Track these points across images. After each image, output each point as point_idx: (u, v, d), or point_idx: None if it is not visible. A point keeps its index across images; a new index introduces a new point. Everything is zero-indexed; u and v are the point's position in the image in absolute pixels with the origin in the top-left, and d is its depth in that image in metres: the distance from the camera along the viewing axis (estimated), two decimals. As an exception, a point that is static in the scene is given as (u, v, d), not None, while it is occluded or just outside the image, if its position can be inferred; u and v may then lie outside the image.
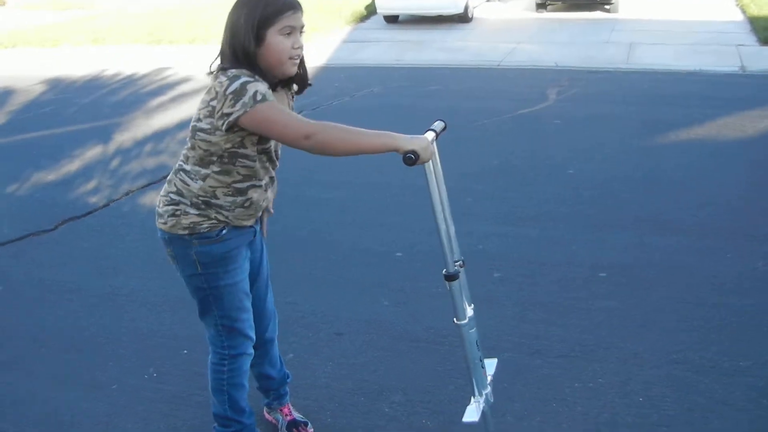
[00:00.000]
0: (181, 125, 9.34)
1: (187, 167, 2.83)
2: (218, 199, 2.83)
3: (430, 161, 2.72)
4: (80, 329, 4.70)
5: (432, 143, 2.76)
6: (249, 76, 2.60)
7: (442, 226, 2.86)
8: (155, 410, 3.81)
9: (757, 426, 3.52)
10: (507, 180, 7.18)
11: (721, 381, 3.88)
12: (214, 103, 2.63)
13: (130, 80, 12.93)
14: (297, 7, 2.71)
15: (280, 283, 3.75)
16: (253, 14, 2.65)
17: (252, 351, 3.17)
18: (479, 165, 7.57)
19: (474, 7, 18.55)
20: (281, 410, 3.62)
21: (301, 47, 2.75)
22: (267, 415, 3.69)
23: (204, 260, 2.90)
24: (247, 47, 2.66)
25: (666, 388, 3.83)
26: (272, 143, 2.84)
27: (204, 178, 2.80)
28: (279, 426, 3.61)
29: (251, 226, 3.00)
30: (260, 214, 3.03)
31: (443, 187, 2.87)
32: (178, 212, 2.85)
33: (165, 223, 2.89)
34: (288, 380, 3.58)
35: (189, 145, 2.82)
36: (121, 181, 7.44)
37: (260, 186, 2.90)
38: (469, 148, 8.07)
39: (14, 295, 5.26)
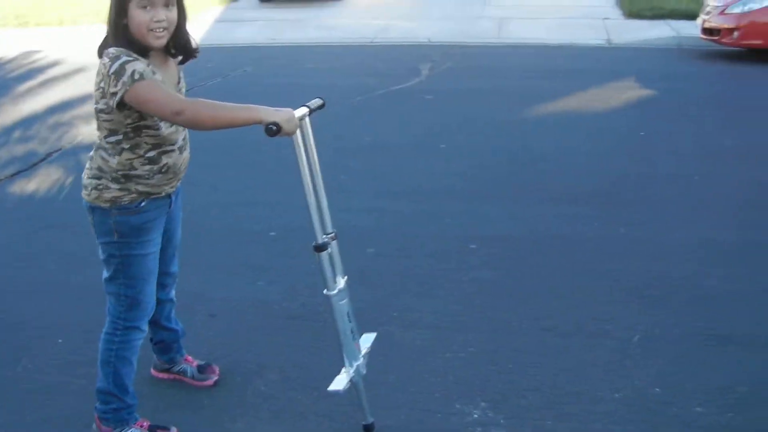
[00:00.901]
0: (52, 110, 9.08)
1: (102, 145, 2.95)
2: (136, 170, 2.95)
3: (298, 134, 2.85)
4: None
5: (305, 118, 2.92)
6: (127, 55, 2.73)
7: (311, 199, 2.95)
8: (30, 400, 3.72)
9: (618, 385, 3.67)
10: (380, 156, 7.23)
11: (588, 344, 4.03)
12: (102, 84, 2.75)
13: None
14: None
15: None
16: None
17: (146, 329, 3.26)
18: (352, 142, 7.63)
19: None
20: (185, 360, 3.75)
21: (162, 20, 2.80)
22: (164, 374, 3.77)
23: (121, 229, 3.03)
24: (116, 21, 2.78)
25: (535, 354, 3.95)
26: None
27: (119, 152, 2.92)
28: (189, 374, 3.72)
29: (169, 196, 3.12)
30: (180, 177, 3.14)
31: (315, 161, 2.96)
32: (101, 186, 2.98)
33: (89, 195, 3.03)
34: (183, 335, 3.71)
35: (97, 127, 2.93)
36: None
37: (173, 150, 3.02)
38: (343, 125, 8.09)
39: None
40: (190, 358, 3.77)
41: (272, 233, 5.54)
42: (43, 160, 7.29)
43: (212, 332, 4.27)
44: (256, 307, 4.52)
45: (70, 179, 6.55)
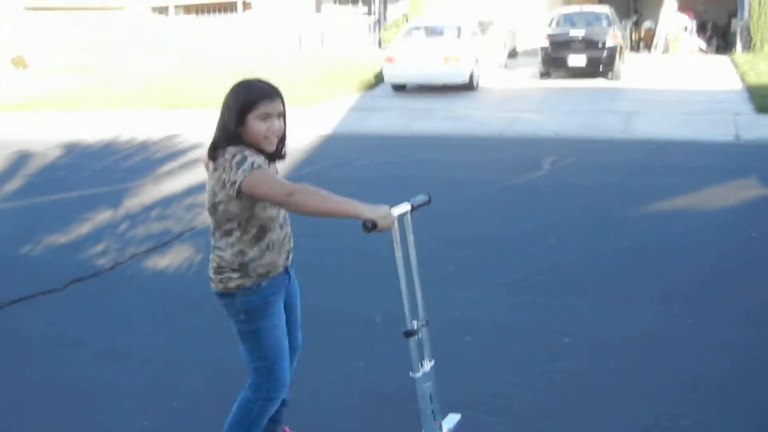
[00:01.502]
0: (188, 191, 9.80)
1: (218, 244, 3.45)
2: (247, 255, 3.41)
3: (396, 229, 3.28)
4: (79, 379, 5.14)
5: (406, 214, 3.35)
6: (246, 150, 3.24)
7: (404, 288, 3.33)
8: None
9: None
10: (488, 248, 7.55)
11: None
12: (224, 176, 3.23)
13: (143, 146, 13.49)
14: (273, 96, 3.35)
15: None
16: (237, 100, 3.29)
17: (280, 400, 3.70)
18: (466, 233, 7.98)
19: (479, 76, 19.06)
20: (284, 430, 4.12)
21: (276, 129, 3.35)
22: None
23: (247, 308, 3.48)
24: (230, 128, 3.29)
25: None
26: None
27: (232, 245, 3.40)
28: None
29: (286, 272, 3.59)
30: (287, 250, 3.59)
31: (413, 253, 3.38)
32: (224, 279, 3.46)
33: (216, 285, 3.51)
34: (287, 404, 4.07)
35: (212, 223, 3.44)
36: (127, 244, 7.90)
37: (276, 227, 3.49)
38: (457, 217, 8.51)
39: (23, 349, 5.69)
40: (287, 429, 4.16)
41: (377, 318, 5.91)
42: (176, 237, 7.98)
43: (313, 412, 4.65)
44: (354, 386, 4.89)
45: (199, 257, 7.16)
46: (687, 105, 16.01)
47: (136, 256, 7.52)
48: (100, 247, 7.84)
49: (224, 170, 3.24)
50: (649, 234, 7.81)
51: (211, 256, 3.52)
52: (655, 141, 13.01)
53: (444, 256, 7.08)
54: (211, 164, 3.35)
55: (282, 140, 3.49)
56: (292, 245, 3.66)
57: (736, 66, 20.72)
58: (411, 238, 3.42)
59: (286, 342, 3.65)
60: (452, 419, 3.74)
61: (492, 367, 5.14)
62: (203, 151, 3.44)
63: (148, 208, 9.28)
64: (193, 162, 11.77)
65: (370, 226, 3.13)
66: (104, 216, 9.01)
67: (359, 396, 4.80)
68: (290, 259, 3.67)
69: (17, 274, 7.26)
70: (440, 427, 3.59)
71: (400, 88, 19.15)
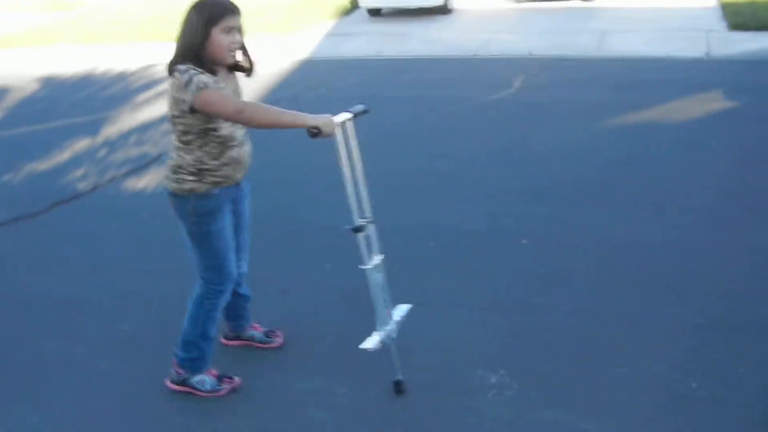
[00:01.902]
0: (164, 118, 9.90)
1: (178, 145, 3.69)
2: (206, 164, 3.66)
3: (340, 136, 3.58)
4: (64, 292, 5.48)
5: (347, 121, 3.66)
6: (194, 69, 3.45)
7: (350, 189, 3.67)
8: (130, 352, 4.54)
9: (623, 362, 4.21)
10: (460, 163, 7.86)
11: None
12: (175, 94, 3.47)
13: (120, 77, 13.58)
14: (236, 11, 3.56)
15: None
16: (201, 15, 3.49)
17: (230, 293, 4.01)
18: (442, 147, 8.34)
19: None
20: (253, 327, 4.51)
21: (237, 42, 3.59)
22: (234, 342, 4.53)
23: (198, 211, 3.73)
24: (195, 41, 3.49)
25: (563, 334, 4.53)
26: None
27: (192, 151, 3.64)
28: (257, 339, 4.49)
29: (237, 183, 3.84)
30: (245, 167, 3.86)
31: (357, 157, 3.72)
32: (180, 179, 3.69)
33: (170, 184, 3.74)
34: (250, 300, 4.45)
35: (172, 131, 3.67)
36: (106, 168, 8.15)
37: (236, 145, 3.73)
38: (432, 134, 8.89)
39: (10, 268, 6.00)
40: (257, 325, 4.51)
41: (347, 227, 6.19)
42: (153, 160, 8.25)
43: (284, 305, 5.00)
44: (320, 286, 5.23)
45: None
46: (661, 22, 16.12)
47: (115, 179, 7.79)
48: (80, 172, 8.10)
49: (177, 89, 3.47)
50: (613, 147, 8.07)
51: (171, 155, 3.76)
52: (628, 58, 13.17)
53: (418, 170, 7.50)
54: (169, 79, 3.56)
55: (246, 53, 3.73)
56: (250, 161, 3.92)
57: (712, -17, 20.78)
58: (354, 143, 3.71)
59: (231, 240, 3.92)
60: (402, 309, 4.08)
61: (455, 267, 5.47)
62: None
63: (125, 135, 9.50)
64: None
65: (316, 132, 3.44)
66: (83, 143, 9.23)
67: (325, 294, 5.14)
68: (246, 177, 3.95)
69: (1, 199, 7.51)
70: (390, 315, 3.91)
71: (375, 13, 19.17)
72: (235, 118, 3.51)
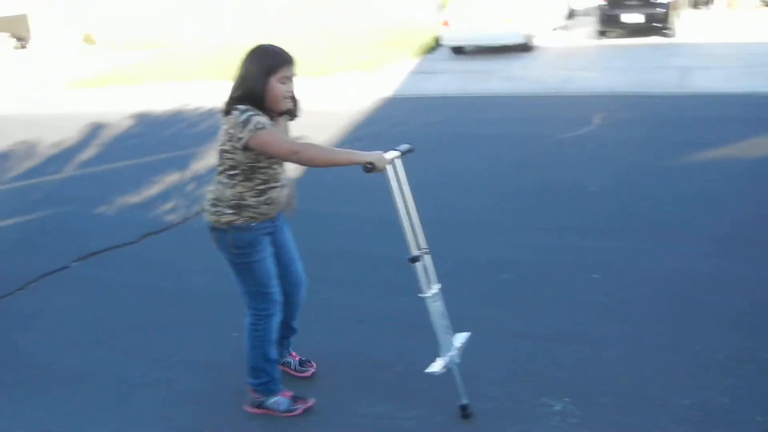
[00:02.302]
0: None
1: (220, 179, 3.94)
2: (246, 200, 3.91)
3: (390, 171, 3.83)
4: (151, 317, 5.80)
5: (395, 159, 3.89)
6: (252, 110, 3.72)
7: (405, 221, 3.91)
8: (213, 376, 4.81)
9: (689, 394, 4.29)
10: (532, 198, 8.00)
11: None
12: (231, 131, 3.73)
13: (209, 114, 14.11)
14: (291, 62, 3.85)
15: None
16: (261, 64, 3.78)
17: (279, 315, 4.22)
18: (513, 183, 8.50)
19: (535, 37, 19.29)
20: (291, 355, 4.72)
21: (291, 91, 3.88)
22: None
23: (237, 244, 3.96)
24: (257, 89, 3.78)
25: (621, 362, 4.64)
26: None
27: (233, 186, 3.89)
28: (292, 366, 4.69)
29: (272, 220, 4.06)
30: (283, 207, 4.12)
31: (407, 190, 3.96)
32: (218, 212, 3.94)
33: (209, 217, 4.01)
34: (294, 334, 4.67)
35: (218, 163, 3.92)
36: (194, 202, 8.52)
37: (277, 186, 3.98)
38: (504, 169, 9.08)
39: (102, 294, 6.36)
40: (294, 353, 4.72)
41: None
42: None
43: (358, 334, 5.22)
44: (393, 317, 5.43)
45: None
46: (744, 58, 16.03)
47: (201, 212, 8.10)
48: (169, 205, 8.49)
49: (233, 125, 3.73)
50: (688, 182, 8.10)
51: (211, 188, 4.01)
52: (709, 95, 13.14)
53: (492, 206, 7.70)
54: (223, 118, 3.84)
55: (293, 99, 3.98)
56: (286, 201, 4.17)
57: (799, 19, 20.56)
58: (403, 178, 3.95)
59: (274, 267, 4.14)
60: (462, 336, 4.26)
61: (524, 299, 5.61)
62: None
63: (212, 170, 9.82)
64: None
65: (370, 167, 3.70)
66: (173, 178, 9.66)
67: (397, 324, 5.35)
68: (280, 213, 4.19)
69: (95, 230, 7.94)
70: (452, 342, 4.10)
71: (458, 51, 19.48)
72: (291, 159, 3.76)
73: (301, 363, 4.70)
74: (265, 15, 28.20)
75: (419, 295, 3.97)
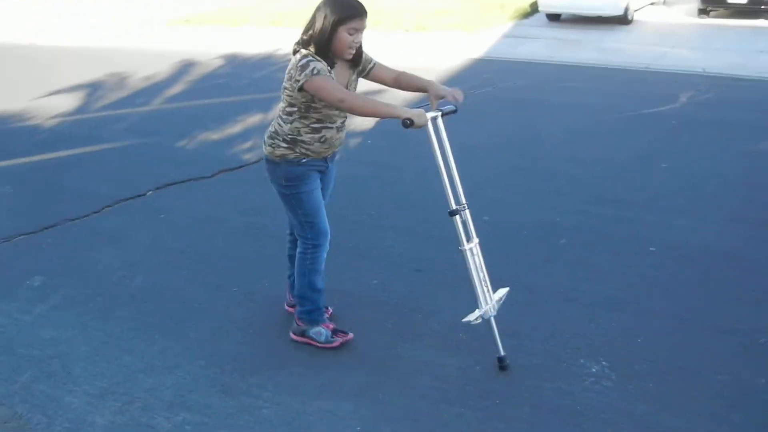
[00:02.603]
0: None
1: (281, 114, 4.16)
2: (302, 136, 4.13)
3: (431, 128, 3.98)
4: (217, 248, 6.07)
5: (438, 119, 4.06)
6: (312, 56, 3.92)
7: (444, 177, 4.05)
8: (268, 308, 5.04)
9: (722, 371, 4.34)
10: (599, 168, 8.02)
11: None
12: (291, 71, 3.96)
13: (299, 60, 14.32)
14: (364, 15, 4.00)
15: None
16: (333, 13, 3.93)
17: (327, 246, 4.40)
18: (582, 154, 8.48)
19: (635, 10, 18.96)
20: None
21: (358, 42, 4.05)
22: (290, 309, 4.88)
23: (287, 176, 4.19)
24: (324, 36, 3.95)
25: (663, 334, 4.70)
26: None
27: (291, 122, 4.11)
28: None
29: (324, 159, 4.28)
30: (336, 149, 4.32)
31: (448, 150, 4.11)
32: (274, 145, 4.18)
33: (265, 148, 4.24)
34: None
35: (281, 100, 4.12)
36: (272, 143, 8.72)
37: (332, 128, 4.19)
38: (580, 139, 9.08)
39: (173, 222, 6.66)
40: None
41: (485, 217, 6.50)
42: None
43: (415, 283, 5.38)
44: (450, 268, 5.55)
45: (338, 156, 7.91)
46: None
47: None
48: (248, 144, 8.74)
49: (294, 67, 3.94)
50: (762, 169, 8.00)
51: (273, 123, 4.23)
52: (806, 80, 12.82)
53: (558, 172, 7.73)
54: (292, 57, 4.03)
55: (359, 50, 4.14)
56: (340, 144, 4.35)
57: None
58: (444, 136, 4.10)
59: (322, 201, 4.35)
60: (502, 292, 4.37)
61: (576, 265, 5.68)
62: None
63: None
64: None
65: (409, 123, 3.84)
66: (255, 118, 9.91)
67: (452, 275, 5.47)
68: (335, 155, 4.38)
69: (174, 162, 8.24)
70: (490, 295, 4.22)
71: (554, 18, 19.27)
72: (337, 105, 3.96)
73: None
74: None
75: (459, 248, 4.10)
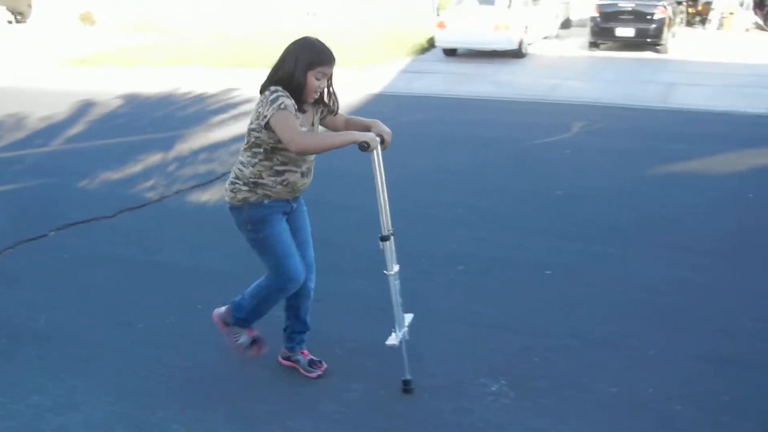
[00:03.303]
0: (236, 139, 10.59)
1: (242, 159, 4.21)
2: (263, 179, 4.17)
3: (375, 152, 4.07)
4: (120, 287, 6.05)
5: (380, 143, 4.12)
6: (283, 92, 3.99)
7: (382, 202, 4.21)
8: (175, 343, 5.06)
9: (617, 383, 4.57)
10: (498, 198, 8.29)
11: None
12: (260, 108, 4.01)
13: (199, 99, 14.39)
14: (333, 62, 4.14)
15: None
16: (304, 58, 4.05)
17: (292, 291, 4.39)
18: (480, 185, 8.74)
19: (529, 44, 19.59)
20: (302, 353, 4.77)
21: (323, 87, 4.17)
22: (284, 362, 4.83)
23: (251, 219, 4.20)
24: (297, 79, 4.04)
25: (560, 350, 4.91)
26: None
27: (254, 165, 4.16)
28: (301, 365, 4.74)
29: (289, 202, 4.31)
30: (297, 193, 4.33)
31: (383, 174, 4.19)
32: (235, 189, 4.20)
33: (227, 195, 4.25)
34: (307, 330, 4.76)
35: (245, 141, 4.19)
36: (174, 182, 8.77)
37: (297, 172, 4.23)
38: (476, 171, 9.39)
39: (76, 262, 6.61)
40: (305, 351, 4.79)
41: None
42: (218, 177, 8.83)
43: (316, 313, 5.43)
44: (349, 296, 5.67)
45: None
46: (728, 78, 16.31)
47: (180, 192, 8.40)
48: (149, 183, 8.74)
49: (262, 104, 4.00)
50: (653, 194, 8.36)
51: (233, 169, 4.27)
52: (691, 111, 13.41)
53: (457, 203, 7.97)
54: (259, 97, 4.09)
55: (331, 95, 4.29)
56: (303, 188, 4.35)
57: (790, 42, 20.85)
58: (382, 162, 4.20)
59: (292, 244, 4.32)
60: (408, 317, 4.52)
61: (475, 290, 5.88)
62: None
63: (196, 152, 10.15)
64: (245, 114, 12.56)
65: (366, 146, 3.94)
66: (156, 157, 9.90)
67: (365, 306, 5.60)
68: (299, 197, 4.42)
69: (75, 203, 8.17)
70: (404, 319, 4.41)
71: (450, 53, 19.76)
72: (289, 143, 3.91)
73: (311, 363, 4.74)
74: (263, 6, 28.45)
75: (384, 272, 4.28)
